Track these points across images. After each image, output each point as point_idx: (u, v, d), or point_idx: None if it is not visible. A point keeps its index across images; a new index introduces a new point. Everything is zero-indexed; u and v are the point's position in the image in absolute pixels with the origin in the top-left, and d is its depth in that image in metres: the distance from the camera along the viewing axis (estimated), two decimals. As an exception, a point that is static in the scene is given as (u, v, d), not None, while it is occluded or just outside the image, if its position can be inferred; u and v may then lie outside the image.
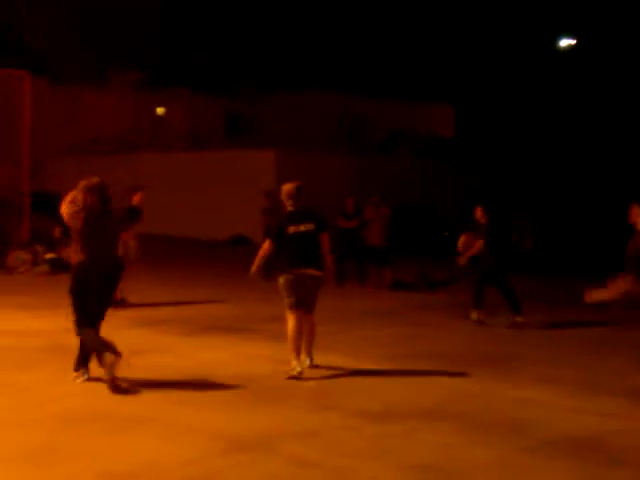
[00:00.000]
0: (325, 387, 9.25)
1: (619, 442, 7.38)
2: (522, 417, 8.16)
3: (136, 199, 14.84)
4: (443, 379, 9.75)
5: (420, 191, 32.48)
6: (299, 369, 9.55)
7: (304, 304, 9.77)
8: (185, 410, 8.14)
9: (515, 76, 43.68)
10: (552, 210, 27.71)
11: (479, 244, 13.70)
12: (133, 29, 40.95)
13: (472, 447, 7.18)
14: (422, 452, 7.06)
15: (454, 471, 6.63)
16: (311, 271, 9.72)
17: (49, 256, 19.77)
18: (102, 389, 8.79)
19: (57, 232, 19.59)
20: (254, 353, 10.96)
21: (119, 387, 8.73)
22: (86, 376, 9.07)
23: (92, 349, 9.02)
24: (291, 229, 9.74)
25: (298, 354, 9.66)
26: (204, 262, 24.21)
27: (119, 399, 8.51)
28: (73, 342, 9.23)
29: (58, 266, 18.75)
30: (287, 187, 9.97)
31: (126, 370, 9.58)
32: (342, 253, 17.12)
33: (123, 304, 14.45)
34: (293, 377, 9.50)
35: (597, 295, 7.76)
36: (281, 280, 9.77)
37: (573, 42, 38.30)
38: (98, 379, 8.97)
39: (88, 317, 9.00)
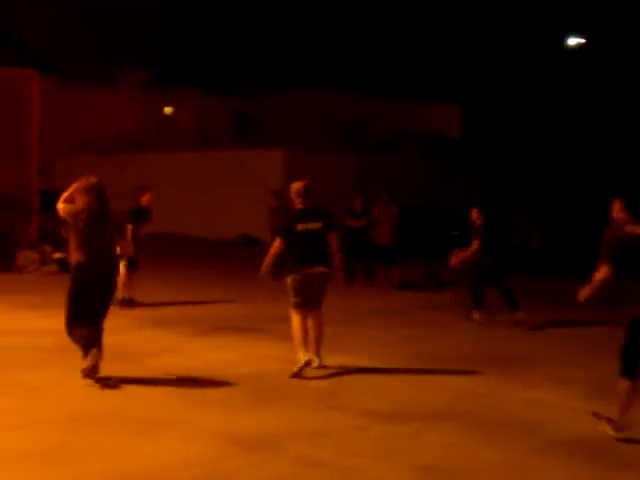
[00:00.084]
0: (333, 387, 9.27)
1: (628, 445, 7.35)
2: (529, 418, 8.16)
3: (145, 199, 14.91)
4: (450, 379, 9.76)
5: (427, 191, 32.46)
6: (306, 358, 9.58)
7: (311, 302, 9.82)
8: (194, 410, 8.17)
9: (523, 75, 43.60)
10: (559, 210, 27.66)
11: (474, 245, 13.87)
12: (140, 29, 41.04)
13: (479, 447, 7.19)
14: (429, 452, 7.07)
15: (460, 471, 6.64)
16: (319, 269, 9.77)
17: (57, 256, 19.79)
18: (112, 389, 8.82)
19: (64, 231, 19.61)
20: (263, 353, 10.98)
21: (91, 377, 8.88)
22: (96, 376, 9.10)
23: (78, 345, 9.10)
24: (300, 227, 9.80)
25: (305, 347, 9.70)
26: (212, 262, 24.23)
27: (128, 399, 8.55)
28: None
29: (66, 266, 18.74)
30: (296, 185, 10.05)
31: (137, 370, 9.64)
32: (350, 252, 17.13)
33: (132, 304, 14.49)
34: (300, 369, 9.55)
35: (583, 293, 7.81)
36: (289, 280, 9.83)
37: (582, 41, 38.17)
38: (107, 378, 9.01)
39: (85, 317, 9.07)
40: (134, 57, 42.20)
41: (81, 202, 9.09)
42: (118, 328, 11.85)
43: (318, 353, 9.89)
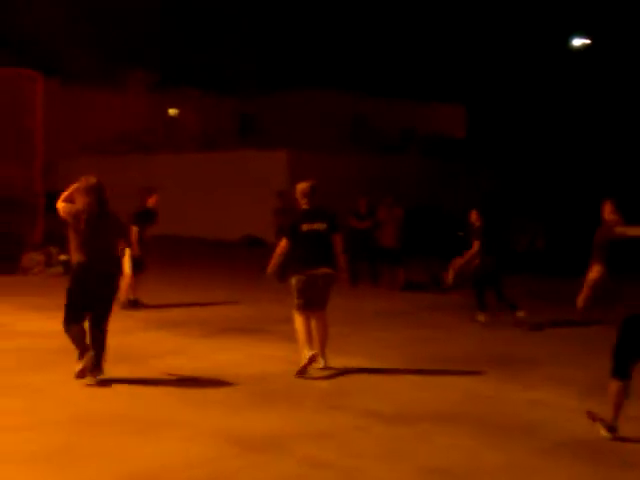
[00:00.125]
0: (337, 388, 9.29)
1: (631, 444, 7.38)
2: (533, 419, 8.18)
3: (151, 201, 14.92)
4: (454, 381, 9.77)
5: (431, 191, 32.44)
6: (310, 353, 9.60)
7: (315, 303, 9.84)
8: (199, 411, 8.19)
9: (527, 76, 43.57)
10: (564, 210, 27.64)
11: (475, 246, 13.92)
12: (142, 30, 41.06)
13: (482, 449, 7.21)
14: (433, 454, 7.09)
15: (463, 473, 6.66)
16: (323, 270, 9.79)
17: (63, 257, 19.81)
18: (116, 390, 8.86)
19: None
20: (268, 354, 11.00)
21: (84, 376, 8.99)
22: (100, 377, 9.13)
23: (75, 345, 9.18)
24: (305, 227, 9.82)
25: (309, 344, 9.72)
26: (217, 263, 24.24)
27: (133, 400, 8.58)
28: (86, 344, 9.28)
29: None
30: (302, 186, 10.07)
31: (142, 371, 9.67)
32: (355, 254, 17.15)
33: (137, 305, 14.51)
34: (305, 366, 9.58)
35: (581, 300, 7.86)
36: (293, 281, 9.85)
37: (587, 41, 38.13)
38: (112, 380, 9.04)
39: (82, 316, 9.14)
40: (137, 58, 42.22)
41: (81, 202, 9.14)
42: (123, 330, 11.89)
43: (323, 354, 9.92)
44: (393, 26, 47.91)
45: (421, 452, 7.14)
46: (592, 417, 7.62)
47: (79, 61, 39.69)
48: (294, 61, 45.88)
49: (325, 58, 45.90)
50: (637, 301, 7.52)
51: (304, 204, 10.01)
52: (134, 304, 14.48)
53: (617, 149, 35.41)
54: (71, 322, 9.14)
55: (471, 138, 43.31)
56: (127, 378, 9.26)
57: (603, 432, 7.47)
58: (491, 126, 42.22)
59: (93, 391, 8.84)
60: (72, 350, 9.56)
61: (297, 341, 9.87)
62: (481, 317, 13.81)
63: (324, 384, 9.46)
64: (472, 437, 7.52)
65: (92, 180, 9.26)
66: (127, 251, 14.11)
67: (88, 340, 9.14)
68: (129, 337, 11.72)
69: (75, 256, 9.14)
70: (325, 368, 9.85)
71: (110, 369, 9.18)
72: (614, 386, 7.45)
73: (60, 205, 9.29)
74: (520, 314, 13.55)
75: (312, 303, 9.81)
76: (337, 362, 10.10)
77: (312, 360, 9.62)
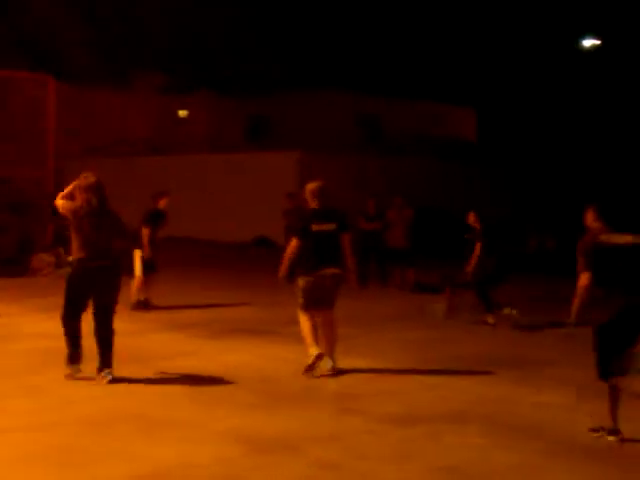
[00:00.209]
0: (348, 390, 9.27)
1: (641, 446, 7.37)
2: (544, 419, 8.15)
3: (162, 203, 14.95)
4: (464, 382, 9.75)
5: (443, 193, 32.41)
6: (317, 352, 9.60)
7: (322, 303, 9.82)
8: (209, 412, 8.19)
9: (538, 78, 43.51)
10: (575, 211, 27.60)
11: (477, 248, 13.94)
12: (152, 32, 41.12)
13: (494, 450, 7.19)
14: (444, 455, 7.07)
15: (475, 474, 6.64)
16: (332, 270, 9.77)
17: (70, 258, 19.84)
18: (126, 391, 8.87)
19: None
20: (278, 356, 10.99)
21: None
22: (110, 377, 9.15)
23: (66, 341, 9.31)
24: (315, 227, 9.79)
25: (316, 342, 9.70)
26: (227, 264, 24.24)
27: (143, 401, 8.58)
28: (95, 344, 9.30)
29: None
30: (311, 186, 10.04)
31: (151, 372, 9.67)
32: (364, 255, 17.14)
33: (147, 306, 14.53)
34: (312, 364, 9.58)
35: (574, 310, 7.86)
36: (301, 282, 9.81)
37: (597, 42, 38.05)
38: (121, 380, 9.06)
39: (80, 312, 9.25)
40: (147, 60, 42.28)
41: (80, 200, 9.19)
42: (134, 331, 11.91)
43: (332, 355, 9.89)
44: (406, 29, 47.87)
45: (431, 452, 7.13)
46: (594, 430, 7.58)
47: (88, 63, 39.76)
48: (305, 62, 45.89)
49: (336, 59, 45.89)
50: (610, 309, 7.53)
51: (314, 204, 9.99)
52: (144, 305, 14.50)
53: (628, 149, 35.32)
54: (68, 318, 9.24)
55: (482, 141, 43.28)
56: (137, 378, 9.28)
57: (610, 438, 7.43)
58: (502, 129, 42.18)
59: (103, 391, 8.85)
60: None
61: (304, 340, 9.86)
62: (490, 319, 13.77)
63: (333, 385, 9.45)
64: (482, 437, 7.51)
65: (91, 178, 9.30)
66: (137, 253, 14.29)
67: (95, 340, 9.21)
68: (139, 338, 11.73)
69: (75, 253, 9.21)
70: (334, 369, 9.83)
71: (120, 369, 9.20)
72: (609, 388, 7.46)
73: (60, 202, 9.35)
74: (490, 320, 13.63)
75: (319, 303, 9.80)
76: (346, 363, 10.09)
77: (319, 358, 9.62)
